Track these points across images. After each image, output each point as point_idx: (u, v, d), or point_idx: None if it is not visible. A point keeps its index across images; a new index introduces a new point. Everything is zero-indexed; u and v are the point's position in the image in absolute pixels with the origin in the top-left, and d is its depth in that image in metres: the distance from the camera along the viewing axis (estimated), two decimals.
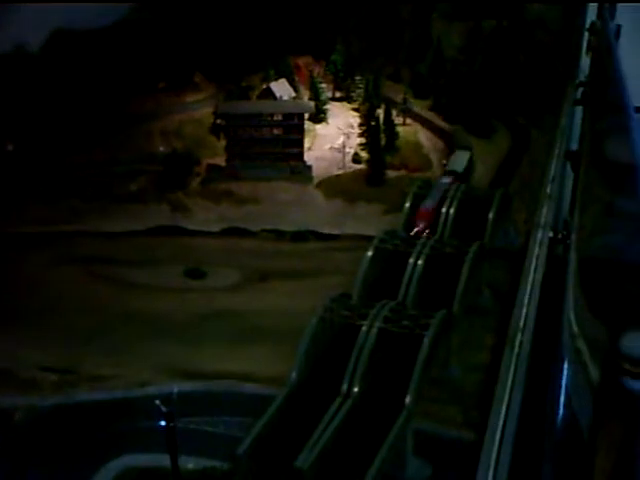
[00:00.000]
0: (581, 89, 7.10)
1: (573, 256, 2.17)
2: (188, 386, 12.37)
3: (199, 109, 24.94)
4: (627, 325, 1.00)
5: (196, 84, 25.44)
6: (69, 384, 15.01)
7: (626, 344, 0.82)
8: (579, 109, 6.55)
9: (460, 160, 21.10)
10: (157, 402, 11.07)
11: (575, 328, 1.30)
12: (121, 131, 24.71)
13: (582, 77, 7.28)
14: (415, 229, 15.22)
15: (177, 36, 23.04)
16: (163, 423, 11.42)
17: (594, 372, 1.03)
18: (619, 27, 5.92)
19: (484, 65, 22.68)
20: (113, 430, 12.60)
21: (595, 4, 7.07)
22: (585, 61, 7.27)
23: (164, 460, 13.05)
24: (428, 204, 16.33)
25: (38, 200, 28.97)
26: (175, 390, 11.54)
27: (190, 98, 25.85)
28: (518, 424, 2.67)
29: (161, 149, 24.06)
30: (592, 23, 6.48)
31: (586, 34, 7.55)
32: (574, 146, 5.91)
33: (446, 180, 18.40)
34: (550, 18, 21.43)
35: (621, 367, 0.80)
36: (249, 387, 12.41)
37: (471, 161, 23.91)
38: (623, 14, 6.70)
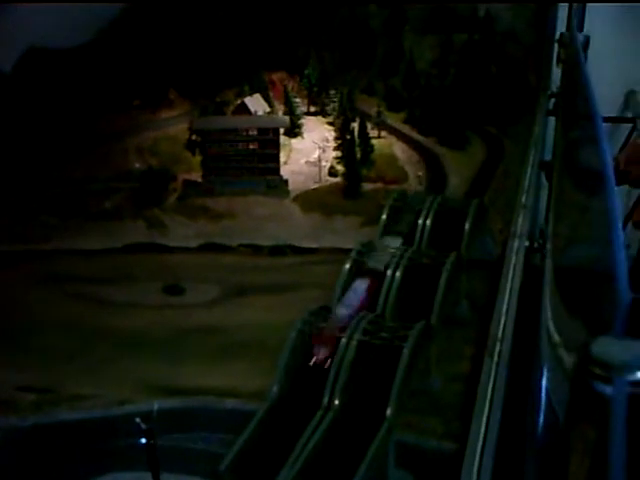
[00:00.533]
0: (553, 100, 7.19)
1: (549, 264, 2.21)
2: (168, 403, 12.30)
3: (174, 125, 24.91)
4: (598, 330, 1.04)
5: (171, 101, 25.42)
6: (48, 403, 14.86)
7: (596, 349, 0.85)
8: (552, 119, 6.63)
9: (383, 257, 12.19)
10: (137, 420, 11.01)
11: (552, 336, 1.34)
12: (96, 149, 24.64)
13: (554, 88, 7.38)
14: (314, 358, 10.54)
15: (151, 53, 23.05)
16: (144, 440, 11.37)
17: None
18: (588, 38, 6.01)
19: (457, 78, 22.87)
20: (94, 449, 12.50)
21: (564, 17, 7.18)
22: (556, 72, 7.37)
23: (146, 478, 12.94)
24: (335, 322, 11.67)
25: (12, 218, 28.74)
26: (155, 407, 11.48)
27: (165, 115, 25.82)
28: (499, 433, 2.70)
29: (137, 166, 24.00)
30: (561, 35, 6.58)
31: (556, 46, 7.66)
32: (548, 156, 5.98)
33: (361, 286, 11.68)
34: (520, 31, 21.66)
35: (592, 372, 0.83)
36: (230, 402, 12.35)
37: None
38: (592, 25, 6.82)
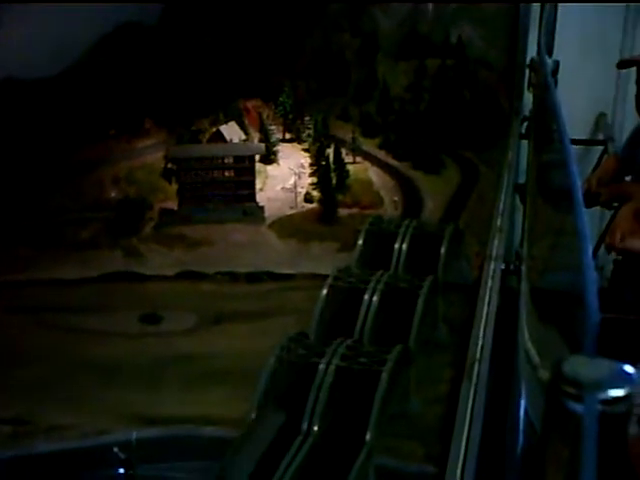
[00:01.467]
0: (526, 124, 7.29)
1: (524, 286, 2.25)
2: (147, 432, 12.19)
3: (150, 154, 24.85)
4: (570, 350, 1.07)
5: (147, 130, 25.39)
6: (25, 435, 14.68)
7: (568, 368, 0.88)
8: (525, 143, 6.72)
9: None
10: (115, 449, 10.91)
11: (532, 357, 1.36)
12: (72, 179, 24.54)
13: (526, 112, 7.49)
14: None
15: (127, 82, 23.11)
16: (122, 471, 11.25)
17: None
18: (557, 63, 6.11)
19: (431, 103, 23.09)
20: None
21: (535, 41, 7.31)
22: (528, 97, 7.49)
23: None
24: None
25: None
26: (134, 437, 11.38)
27: (141, 144, 25.75)
28: (479, 454, 2.71)
29: (113, 195, 23.94)
30: (531, 60, 6.69)
31: (527, 71, 7.79)
32: (522, 179, 6.06)
33: None
34: (492, 57, 21.93)
35: (564, 390, 0.85)
36: (209, 430, 12.26)
37: None
38: (562, 50, 6.93)
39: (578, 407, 0.82)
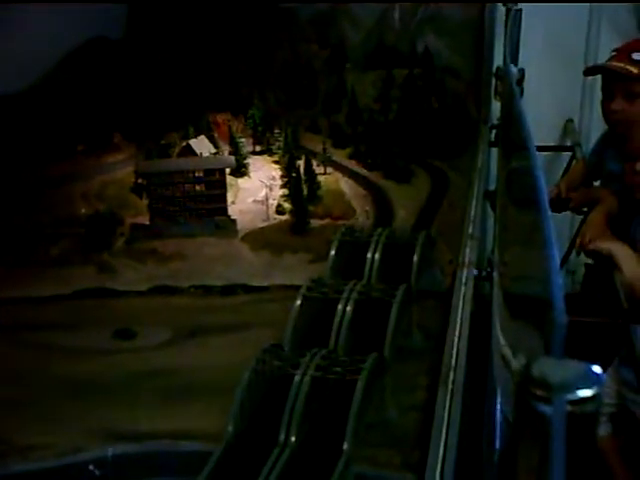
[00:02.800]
0: (494, 131, 7.35)
1: (497, 292, 2.28)
2: (123, 448, 12.09)
3: (120, 169, 24.72)
4: (539, 352, 1.09)
5: (116, 145, 25.26)
6: None
7: (536, 370, 0.89)
8: (495, 150, 6.78)
9: None
10: (91, 467, 10.81)
11: (506, 362, 1.38)
12: (41, 196, 24.39)
13: (494, 120, 7.56)
14: None
15: (94, 97, 23.04)
16: None
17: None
18: (523, 71, 6.19)
19: (399, 112, 23.21)
20: None
21: (501, 51, 7.38)
22: (495, 105, 7.56)
23: None
24: None
25: None
26: (110, 453, 11.28)
27: (110, 159, 25.62)
28: (457, 460, 2.72)
29: (83, 211, 23.79)
30: (497, 68, 6.77)
31: (493, 79, 7.86)
32: (492, 186, 6.10)
33: None
34: (459, 65, 22.08)
35: (532, 392, 0.87)
36: (186, 445, 12.17)
37: None
38: (527, 58, 7.01)
39: (547, 409, 0.84)
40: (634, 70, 4.04)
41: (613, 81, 4.21)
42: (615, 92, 4.18)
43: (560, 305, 1.01)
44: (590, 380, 0.86)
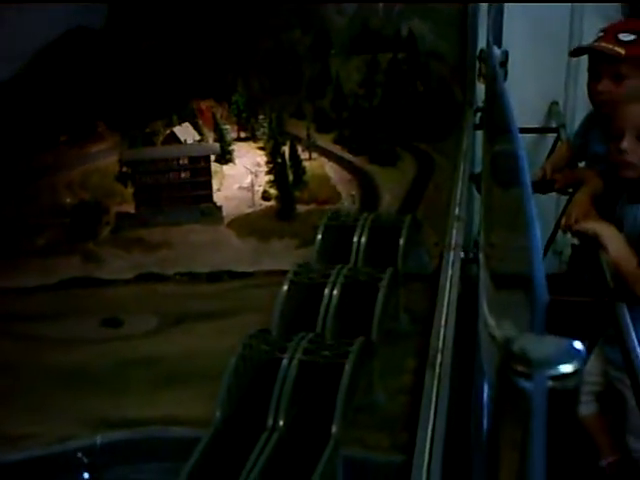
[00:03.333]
0: (479, 114, 7.35)
1: (483, 274, 2.28)
2: (112, 436, 12.07)
3: (104, 158, 24.57)
4: (519, 328, 1.09)
5: (99, 134, 25.11)
6: None
7: (517, 346, 0.89)
8: (479, 133, 6.77)
9: None
10: (79, 454, 10.78)
11: (495, 342, 1.38)
12: (25, 186, 24.23)
13: (479, 103, 7.55)
14: None
15: (77, 87, 22.88)
16: (86, 475, 11.09)
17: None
18: (507, 53, 6.18)
19: (384, 96, 23.13)
20: None
21: (485, 33, 7.36)
22: (480, 87, 7.55)
23: None
24: None
25: None
26: (98, 441, 11.27)
27: (94, 148, 25.44)
28: (445, 441, 2.74)
29: (68, 201, 23.65)
30: (481, 51, 6.75)
31: (477, 62, 7.85)
32: (478, 169, 6.10)
33: None
34: (443, 49, 22.02)
35: (513, 368, 0.87)
36: (175, 431, 12.16)
37: None
38: (511, 40, 7.00)
39: (527, 384, 0.84)
40: (621, 51, 4.03)
41: (600, 62, 4.19)
42: (602, 73, 4.17)
43: (541, 281, 1.01)
44: (571, 356, 0.86)
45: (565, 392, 0.85)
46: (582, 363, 0.87)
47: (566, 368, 0.86)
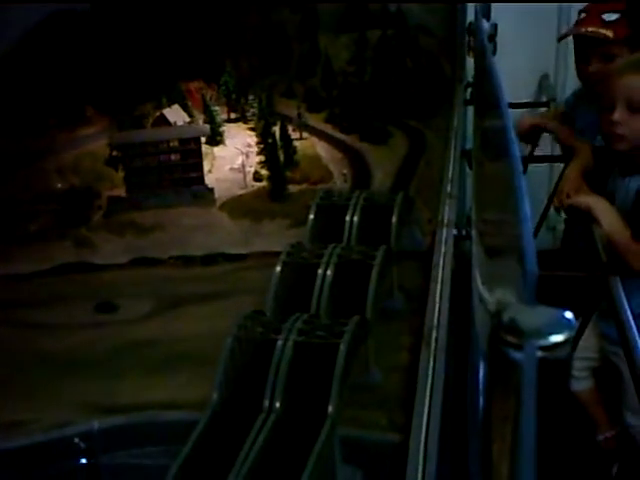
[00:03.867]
0: (469, 89, 7.35)
1: (476, 249, 2.28)
2: (109, 421, 12.08)
3: (94, 142, 24.51)
4: (509, 299, 1.08)
5: (88, 118, 25.02)
6: None
7: (507, 317, 0.89)
8: (471, 109, 6.77)
9: None
10: (76, 440, 10.76)
11: (482, 316, 1.38)
12: (14, 172, 24.14)
13: (469, 78, 7.54)
14: None
15: (64, 71, 22.77)
16: (84, 460, 11.05)
17: None
18: (496, 26, 6.16)
19: (374, 74, 23.10)
20: (37, 476, 12.23)
21: (473, 4, 7.33)
22: (470, 62, 7.53)
23: None
24: None
25: None
26: (95, 426, 11.25)
27: (84, 132, 25.33)
28: (442, 418, 2.74)
29: (59, 186, 23.54)
30: (469, 24, 6.73)
31: (467, 36, 7.82)
32: (469, 145, 6.11)
33: None
34: (432, 23, 21.96)
35: (504, 339, 0.86)
36: (172, 414, 12.18)
37: None
38: (501, 13, 6.98)
39: (518, 355, 0.83)
40: (609, 34, 4.04)
41: (588, 45, 4.19)
42: (590, 56, 4.17)
43: (531, 251, 1.00)
44: (562, 325, 0.85)
45: (556, 362, 0.85)
46: (573, 333, 0.86)
47: (557, 338, 0.85)
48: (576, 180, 3.58)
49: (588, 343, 3.89)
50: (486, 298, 1.40)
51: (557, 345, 0.84)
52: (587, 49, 4.17)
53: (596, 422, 4.12)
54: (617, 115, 3.30)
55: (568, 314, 0.88)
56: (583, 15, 4.28)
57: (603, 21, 4.05)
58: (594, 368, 4.05)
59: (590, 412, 4.09)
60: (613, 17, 4.05)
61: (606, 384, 4.23)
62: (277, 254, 12.84)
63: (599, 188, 3.52)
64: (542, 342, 0.84)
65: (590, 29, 4.12)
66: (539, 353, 0.83)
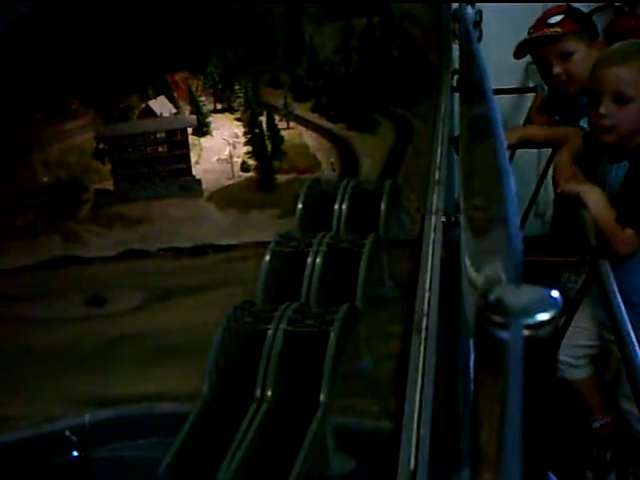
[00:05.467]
0: (456, 76, 7.31)
1: (464, 235, 2.27)
2: (100, 414, 12.07)
3: (80, 135, 24.38)
4: (495, 279, 1.08)
5: (74, 111, 24.87)
6: None
7: (493, 296, 0.88)
8: (457, 96, 6.74)
9: None
10: (67, 433, 10.76)
11: (470, 299, 1.37)
12: (1, 166, 24.06)
13: (456, 65, 7.51)
14: None
15: (48, 64, 22.64)
16: (76, 453, 11.07)
17: None
18: (480, 12, 6.14)
19: (360, 62, 23.07)
20: (29, 470, 12.22)
21: None
22: (456, 49, 7.49)
23: None
24: None
25: None
26: (87, 420, 11.27)
27: (69, 125, 25.21)
28: (434, 405, 2.74)
29: (45, 180, 23.46)
30: (454, 10, 6.70)
31: (452, 22, 7.78)
32: (457, 132, 6.07)
33: None
34: (417, 11, 21.95)
35: (490, 319, 0.85)
36: (163, 406, 12.19)
37: None
38: None
39: (504, 334, 0.82)
40: (558, 29, 4.14)
41: (543, 49, 4.30)
42: (549, 59, 4.26)
43: (516, 230, 0.99)
44: (548, 304, 0.84)
45: (542, 340, 0.84)
46: (558, 311, 0.85)
47: (543, 316, 0.84)
48: (568, 167, 3.57)
49: (587, 331, 3.87)
50: (473, 280, 1.39)
51: (543, 323, 0.83)
52: (545, 55, 4.27)
53: (592, 409, 4.10)
54: (604, 108, 3.28)
55: (554, 292, 0.87)
56: (531, 30, 4.42)
57: (549, 24, 4.17)
58: (592, 356, 4.02)
59: (586, 398, 4.08)
60: (558, 18, 4.17)
61: (603, 371, 4.22)
62: (266, 244, 12.84)
63: (591, 174, 3.52)
64: (528, 320, 0.83)
65: (539, 33, 4.26)
66: (525, 332, 0.82)
